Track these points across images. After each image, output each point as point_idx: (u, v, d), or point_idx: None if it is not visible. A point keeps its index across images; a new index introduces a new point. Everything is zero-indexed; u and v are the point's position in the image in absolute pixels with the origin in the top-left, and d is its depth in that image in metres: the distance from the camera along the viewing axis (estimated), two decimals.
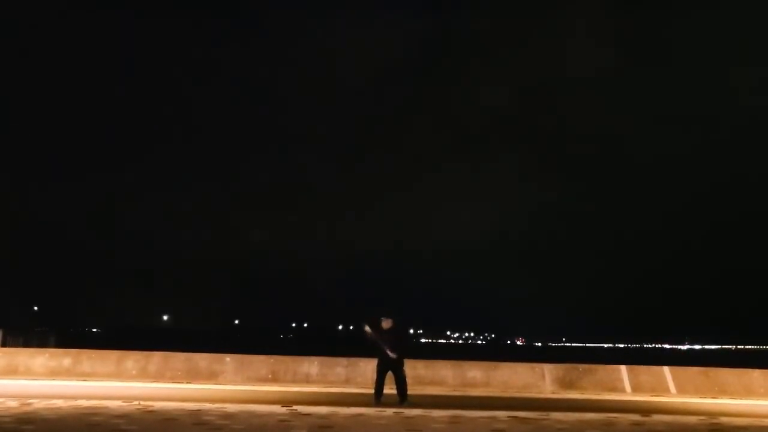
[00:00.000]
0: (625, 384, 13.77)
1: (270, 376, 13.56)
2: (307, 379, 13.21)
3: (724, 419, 8.24)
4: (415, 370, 13.92)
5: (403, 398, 9.93)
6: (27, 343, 23.61)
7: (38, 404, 7.66)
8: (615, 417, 8.09)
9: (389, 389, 10.13)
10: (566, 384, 13.81)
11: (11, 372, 13.51)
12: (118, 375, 13.48)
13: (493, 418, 7.64)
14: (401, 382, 10.11)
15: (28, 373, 13.47)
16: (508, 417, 7.75)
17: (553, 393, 13.35)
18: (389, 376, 10.18)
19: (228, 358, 13.90)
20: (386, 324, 10.37)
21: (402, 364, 10.23)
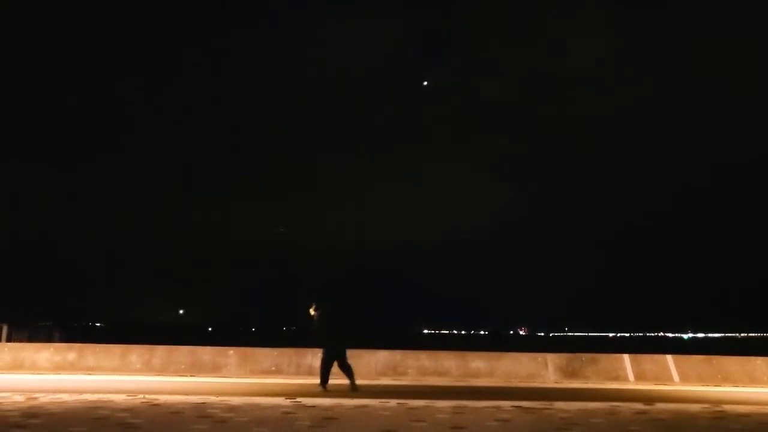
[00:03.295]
0: (628, 373, 13.80)
1: (273, 368, 13.61)
2: (311, 371, 13.25)
3: (727, 407, 8.25)
4: (418, 361, 13.98)
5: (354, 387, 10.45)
6: (32, 338, 23.70)
7: (44, 398, 7.69)
8: (618, 406, 8.10)
9: (386, 380, 10.15)
10: (569, 373, 13.84)
11: (17, 367, 13.59)
12: (123, 369, 13.54)
13: (497, 407, 7.65)
14: (349, 370, 10.59)
15: (34, 368, 13.54)
16: (512, 407, 7.76)
17: (557, 382, 13.39)
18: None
19: (231, 351, 13.95)
20: (323, 310, 10.82)
21: (345, 352, 10.68)
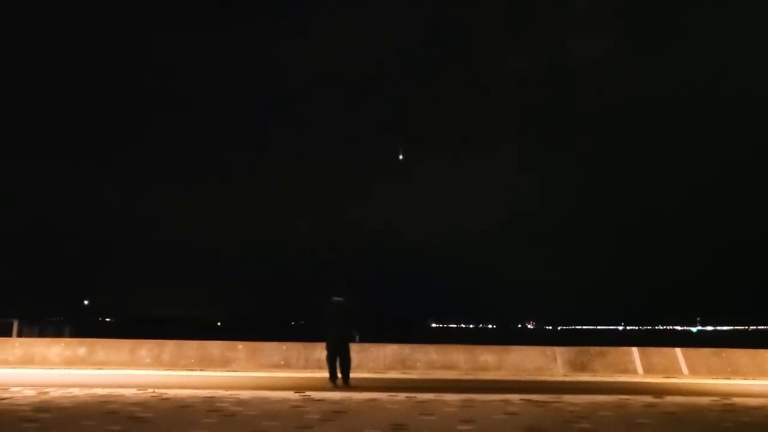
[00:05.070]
0: (637, 366, 13.75)
1: (282, 362, 13.66)
2: (320, 365, 13.27)
3: (737, 400, 8.21)
4: (427, 354, 13.99)
5: (345, 381, 10.27)
6: (42, 333, 23.86)
7: (55, 393, 7.76)
8: (627, 399, 8.07)
9: (394, 374, 10.16)
10: (578, 366, 13.81)
11: (28, 361, 13.70)
12: (133, 363, 13.63)
13: (506, 401, 7.64)
14: (346, 365, 10.43)
15: (44, 363, 13.65)
16: (521, 400, 7.75)
17: (565, 376, 13.36)
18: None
19: (240, 346, 14.00)
20: (337, 301, 10.68)
21: (348, 346, 10.54)
